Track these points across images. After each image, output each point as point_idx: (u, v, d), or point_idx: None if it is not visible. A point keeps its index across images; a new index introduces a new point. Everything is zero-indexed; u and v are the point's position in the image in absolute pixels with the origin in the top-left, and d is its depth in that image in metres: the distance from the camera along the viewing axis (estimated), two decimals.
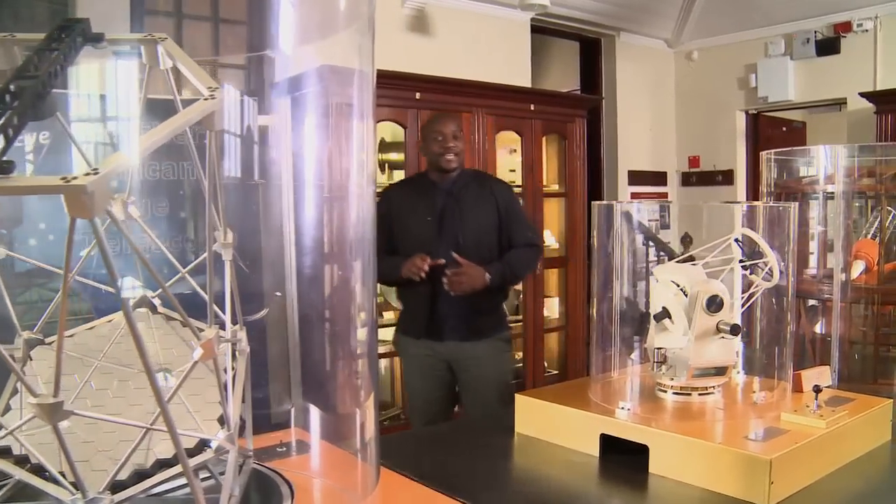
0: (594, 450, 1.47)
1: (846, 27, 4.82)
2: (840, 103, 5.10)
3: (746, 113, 5.51)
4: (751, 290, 1.53)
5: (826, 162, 2.03)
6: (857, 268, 2.06)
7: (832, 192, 2.03)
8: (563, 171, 4.81)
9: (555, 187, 4.83)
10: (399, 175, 4.10)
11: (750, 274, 1.55)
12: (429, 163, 2.87)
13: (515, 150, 4.72)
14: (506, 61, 5.07)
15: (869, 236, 2.10)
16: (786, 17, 5.04)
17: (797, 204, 1.58)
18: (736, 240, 1.54)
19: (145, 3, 3.88)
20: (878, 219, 1.96)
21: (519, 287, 4.70)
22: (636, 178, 5.71)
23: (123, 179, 1.04)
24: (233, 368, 1.03)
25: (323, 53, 1.04)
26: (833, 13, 4.86)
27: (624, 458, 1.42)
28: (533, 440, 1.59)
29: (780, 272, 1.52)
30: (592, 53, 5.78)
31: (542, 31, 5.43)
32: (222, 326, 1.06)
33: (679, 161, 5.92)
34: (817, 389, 1.44)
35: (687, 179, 5.85)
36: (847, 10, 4.79)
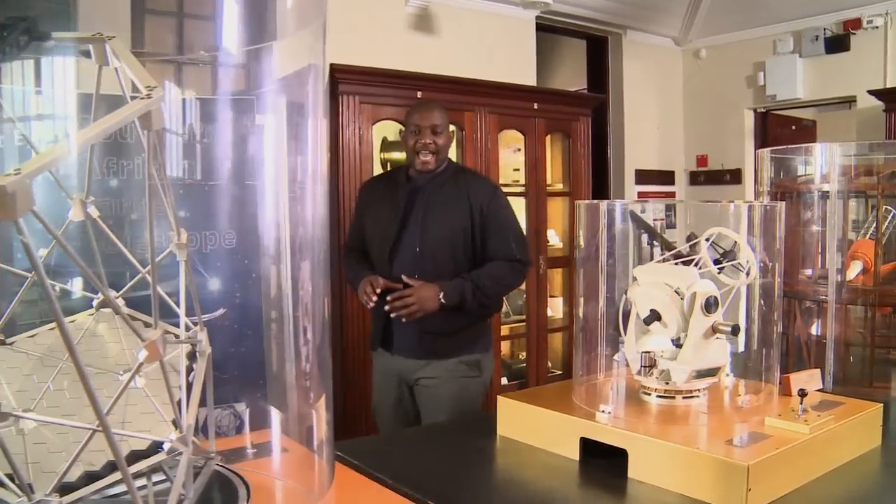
0: (574, 453, 1.44)
1: (856, 24, 4.75)
2: (850, 101, 5.03)
3: (755, 111, 5.44)
4: (725, 290, 1.49)
5: (822, 160, 1.99)
6: (855, 268, 2.02)
7: (829, 191, 1.98)
8: (568, 170, 4.77)
9: (559, 186, 4.80)
10: None
11: (719, 272, 1.52)
12: (406, 158, 2.58)
13: (520, 150, 4.69)
14: (511, 60, 5.04)
15: (867, 236, 2.05)
16: (794, 14, 4.97)
17: (783, 203, 1.54)
18: (707, 239, 1.51)
19: (146, 2, 3.89)
20: (876, 218, 1.91)
21: (522, 287, 4.68)
22: (643, 177, 5.66)
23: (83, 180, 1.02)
24: (190, 369, 1.02)
25: (274, 54, 1.02)
26: (843, 10, 4.79)
27: (604, 463, 1.39)
28: (514, 443, 1.57)
29: (759, 270, 1.48)
30: (599, 52, 5.74)
31: (549, 29, 5.40)
32: (186, 327, 1.05)
33: (687, 160, 5.86)
34: (802, 393, 1.40)
35: (695, 178, 5.79)
36: (857, 6, 4.72)
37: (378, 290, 2.35)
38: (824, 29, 4.88)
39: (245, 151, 1.07)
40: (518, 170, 4.69)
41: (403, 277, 2.34)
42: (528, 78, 5.12)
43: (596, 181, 5.66)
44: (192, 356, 1.07)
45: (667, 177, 5.78)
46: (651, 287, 1.52)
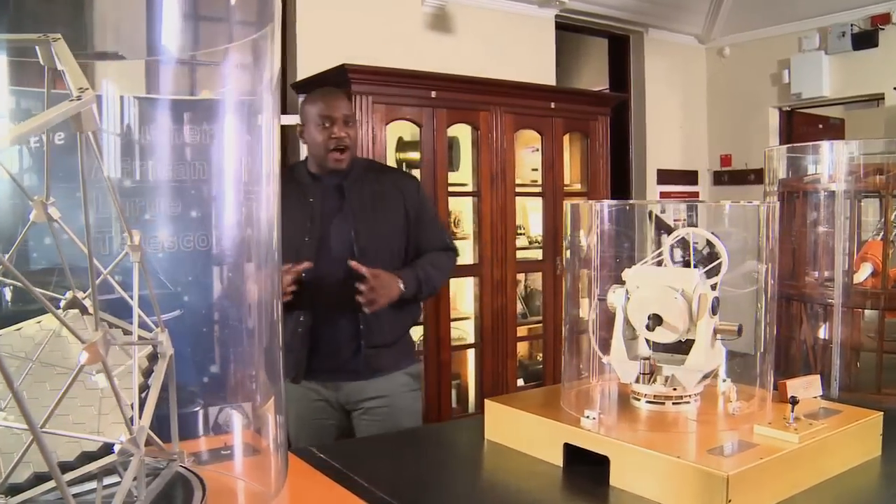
0: (559, 459, 1.41)
1: (884, 19, 4.62)
2: (878, 99, 4.89)
3: (780, 110, 5.32)
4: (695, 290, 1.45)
5: (830, 158, 1.93)
6: (865, 271, 1.96)
7: (846, 191, 1.92)
8: (586, 170, 4.71)
9: (577, 186, 4.74)
10: (417, 175, 4.07)
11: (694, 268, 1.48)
12: (311, 155, 2.23)
13: (538, 150, 4.64)
14: (530, 60, 5.00)
15: (879, 237, 1.99)
16: (820, 9, 4.86)
17: (777, 203, 1.49)
18: (675, 239, 1.47)
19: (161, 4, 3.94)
20: (884, 219, 1.85)
21: (539, 288, 4.63)
22: (666, 176, 5.58)
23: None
24: (144, 372, 1.01)
25: (226, 58, 1.01)
26: (870, 4, 4.66)
27: (588, 470, 1.36)
28: (501, 448, 1.54)
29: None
30: (621, 51, 5.67)
31: (569, 28, 5.35)
32: (148, 329, 1.04)
33: (711, 160, 5.76)
34: (793, 401, 1.35)
35: (718, 178, 5.69)
36: (885, 0, 4.59)
37: (290, 280, 2.00)
38: (851, 25, 4.76)
39: (197, 153, 1.06)
40: (536, 170, 4.64)
41: (352, 263, 2.04)
42: (548, 77, 5.08)
43: (617, 181, 5.60)
44: (153, 358, 1.06)
45: (690, 177, 5.69)
46: (654, 290, 1.46)
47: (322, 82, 3.87)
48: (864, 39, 4.72)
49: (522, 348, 4.68)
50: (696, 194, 5.63)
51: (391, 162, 4.22)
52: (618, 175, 5.72)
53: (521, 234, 4.75)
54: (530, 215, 4.95)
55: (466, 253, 4.38)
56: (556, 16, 5.05)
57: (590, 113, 4.61)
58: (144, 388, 1.02)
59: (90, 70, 0.92)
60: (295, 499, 1.05)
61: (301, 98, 3.77)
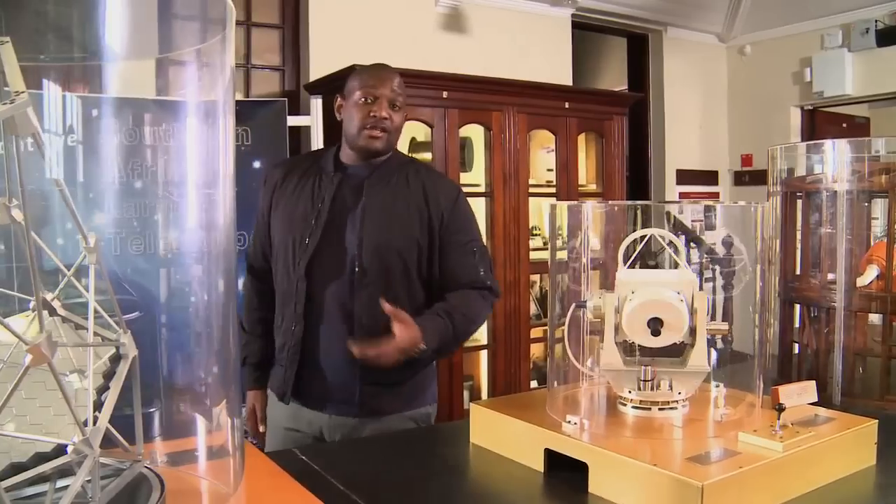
0: (540, 465, 1.39)
1: None
2: None
3: (801, 109, 5.22)
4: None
5: (833, 157, 1.88)
6: (871, 273, 1.90)
7: (848, 191, 1.87)
8: (601, 171, 4.66)
9: (592, 187, 4.69)
10: None
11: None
12: (345, 136, 1.89)
13: (553, 150, 4.60)
14: (546, 60, 4.96)
15: (888, 239, 1.93)
16: (843, 6, 4.75)
17: (765, 204, 1.45)
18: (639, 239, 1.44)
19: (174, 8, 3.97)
20: (888, 219, 1.79)
21: None
22: (685, 177, 5.50)
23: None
24: (106, 373, 1.01)
25: (181, 62, 1.00)
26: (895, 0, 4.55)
27: (570, 476, 1.33)
28: (485, 452, 1.52)
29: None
30: (640, 50, 5.60)
31: (586, 27, 5.30)
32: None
33: (731, 160, 5.66)
34: (780, 408, 1.31)
35: (739, 179, 5.60)
36: None
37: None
38: (875, 21, 4.65)
39: (144, 155, 1.05)
40: (552, 170, 4.60)
41: (386, 306, 1.68)
42: (565, 77, 5.04)
43: (636, 182, 5.54)
44: (116, 359, 1.06)
45: (710, 177, 5.60)
46: (653, 293, 1.42)
47: (333, 83, 3.88)
48: (889, 36, 4.60)
49: (536, 350, 4.64)
50: (716, 195, 5.54)
51: None
52: (637, 176, 5.65)
53: (536, 234, 4.71)
54: (546, 216, 4.91)
55: None
56: (573, 15, 5.01)
57: (605, 113, 4.55)
58: (105, 389, 1.02)
59: (43, 72, 0.92)
60: (251, 501, 1.04)
61: (314, 99, 3.78)
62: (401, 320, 1.68)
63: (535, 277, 4.67)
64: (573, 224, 1.54)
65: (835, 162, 1.85)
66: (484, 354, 4.32)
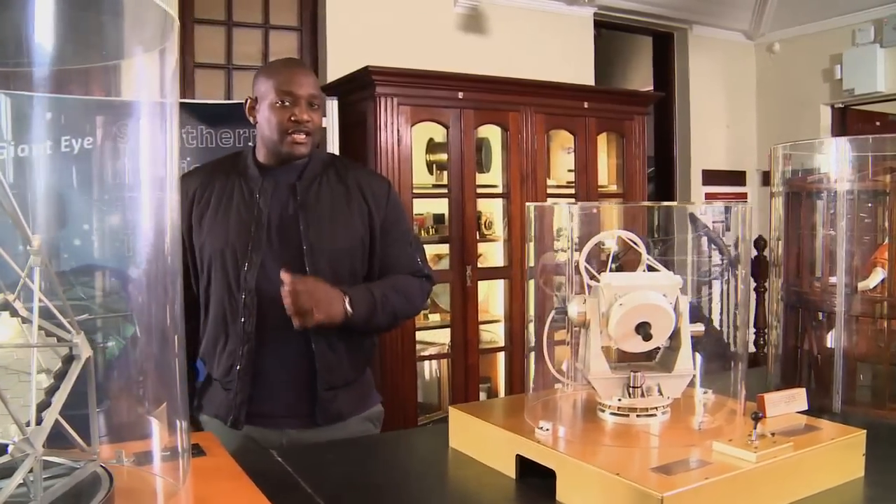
0: (512, 471, 1.36)
1: None
2: None
3: (832, 107, 5.07)
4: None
5: (835, 156, 1.82)
6: (876, 276, 1.83)
7: (849, 191, 1.80)
8: (622, 171, 4.59)
9: (613, 188, 4.63)
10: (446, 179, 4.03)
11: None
12: (262, 139, 1.82)
13: (573, 150, 4.55)
14: (567, 59, 4.92)
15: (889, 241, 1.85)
16: (875, 0, 4.60)
17: (750, 206, 1.41)
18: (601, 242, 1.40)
19: (194, 12, 4.03)
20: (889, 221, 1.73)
21: None
22: (711, 177, 5.40)
23: None
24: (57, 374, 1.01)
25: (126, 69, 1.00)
26: None
27: (541, 483, 1.31)
28: (462, 457, 1.49)
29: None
30: (665, 49, 5.51)
31: (609, 26, 5.23)
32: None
33: (760, 160, 5.54)
34: (756, 416, 1.26)
35: (768, 179, 5.46)
36: None
37: None
38: None
39: (77, 160, 1.06)
40: (573, 171, 4.55)
41: (284, 274, 1.65)
42: (587, 77, 4.98)
43: (661, 182, 5.45)
44: (69, 360, 1.06)
45: (737, 177, 5.48)
46: (640, 298, 1.39)
47: (348, 85, 3.89)
48: None
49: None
50: (743, 195, 5.42)
51: (420, 164, 4.21)
52: (661, 176, 5.57)
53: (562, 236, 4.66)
54: (564, 218, 4.85)
55: (496, 255, 4.33)
56: (595, 14, 4.95)
57: (625, 112, 4.49)
58: (55, 389, 1.03)
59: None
60: (199, 499, 1.04)
61: (330, 100, 3.79)
62: (304, 280, 1.67)
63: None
64: (549, 226, 1.51)
65: (836, 161, 1.79)
66: (501, 356, 4.30)
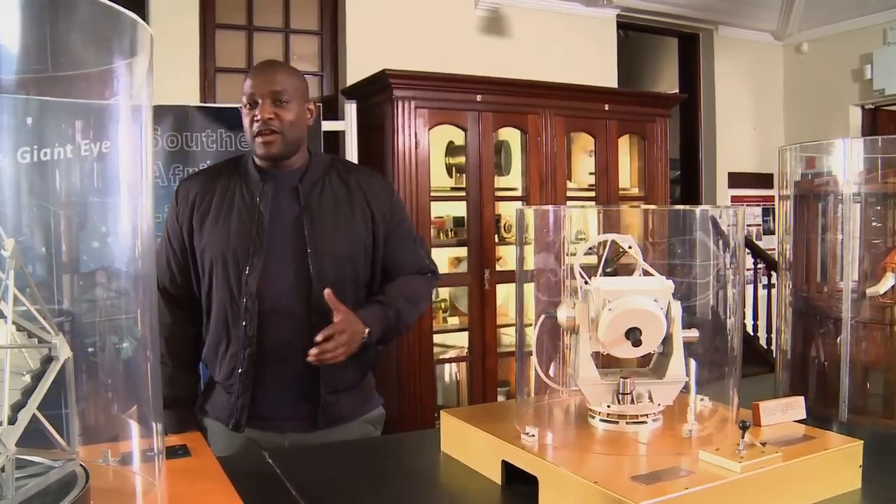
0: (499, 477, 1.35)
1: None
2: None
3: (862, 108, 4.95)
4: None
5: (843, 157, 1.77)
6: (887, 282, 1.78)
7: (856, 194, 1.76)
8: (644, 174, 4.54)
9: (635, 191, 4.57)
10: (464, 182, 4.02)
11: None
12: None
13: (594, 153, 4.51)
14: (590, 61, 4.88)
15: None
16: None
17: (742, 209, 1.38)
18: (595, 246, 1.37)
19: (216, 16, 4.08)
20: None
21: None
22: (737, 180, 5.31)
23: None
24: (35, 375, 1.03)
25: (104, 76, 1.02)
26: None
27: (527, 489, 1.29)
28: (454, 462, 1.49)
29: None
30: (691, 50, 5.44)
31: (633, 27, 5.18)
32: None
33: None
34: (743, 426, 1.23)
35: None
36: None
37: None
38: None
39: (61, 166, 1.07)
40: (593, 173, 4.51)
41: (328, 294, 1.67)
42: (609, 79, 4.94)
43: (686, 185, 5.38)
44: (48, 360, 1.08)
45: (764, 180, 5.38)
46: (631, 302, 1.37)
47: (366, 88, 3.91)
48: None
49: None
50: (770, 198, 5.32)
51: (439, 167, 4.20)
52: (687, 179, 5.49)
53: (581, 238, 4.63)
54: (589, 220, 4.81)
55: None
56: (618, 15, 4.90)
57: (647, 114, 4.44)
58: (33, 390, 1.04)
59: None
60: (174, 498, 1.05)
61: (349, 104, 3.81)
62: (341, 311, 1.69)
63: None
64: (541, 229, 1.49)
65: (844, 162, 1.74)
66: None
